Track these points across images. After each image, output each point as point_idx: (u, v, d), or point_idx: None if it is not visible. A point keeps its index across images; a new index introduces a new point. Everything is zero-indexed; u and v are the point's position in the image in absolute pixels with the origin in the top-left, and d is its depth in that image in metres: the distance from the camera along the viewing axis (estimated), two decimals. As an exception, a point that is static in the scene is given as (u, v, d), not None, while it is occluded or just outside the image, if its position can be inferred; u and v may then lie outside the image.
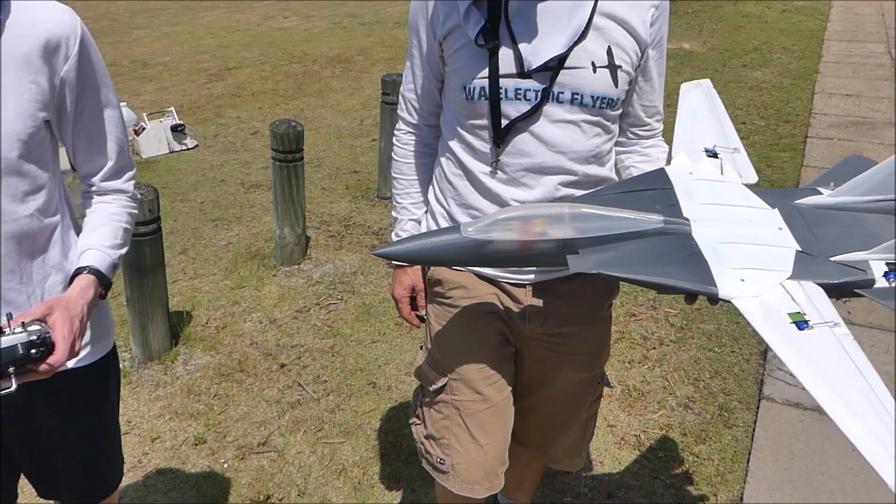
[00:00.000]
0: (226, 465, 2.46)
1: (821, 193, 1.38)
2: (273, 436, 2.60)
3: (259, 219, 4.34)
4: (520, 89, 1.36)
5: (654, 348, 3.09)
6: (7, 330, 1.04)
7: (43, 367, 1.07)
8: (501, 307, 1.55)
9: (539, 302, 1.52)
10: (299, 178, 3.64)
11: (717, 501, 2.32)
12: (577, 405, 1.71)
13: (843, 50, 8.32)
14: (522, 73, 1.35)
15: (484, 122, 1.42)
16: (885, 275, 1.25)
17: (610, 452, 2.53)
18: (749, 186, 1.41)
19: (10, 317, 1.07)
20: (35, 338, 1.05)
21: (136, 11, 11.35)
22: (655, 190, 1.34)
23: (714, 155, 1.45)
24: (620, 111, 1.48)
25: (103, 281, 1.27)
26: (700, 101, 1.61)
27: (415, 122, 1.61)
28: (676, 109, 1.59)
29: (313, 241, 4.03)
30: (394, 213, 1.69)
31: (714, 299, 1.20)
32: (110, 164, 1.34)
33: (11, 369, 1.02)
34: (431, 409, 1.64)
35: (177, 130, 5.50)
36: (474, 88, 1.38)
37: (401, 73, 4.42)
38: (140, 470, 2.43)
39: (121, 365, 2.99)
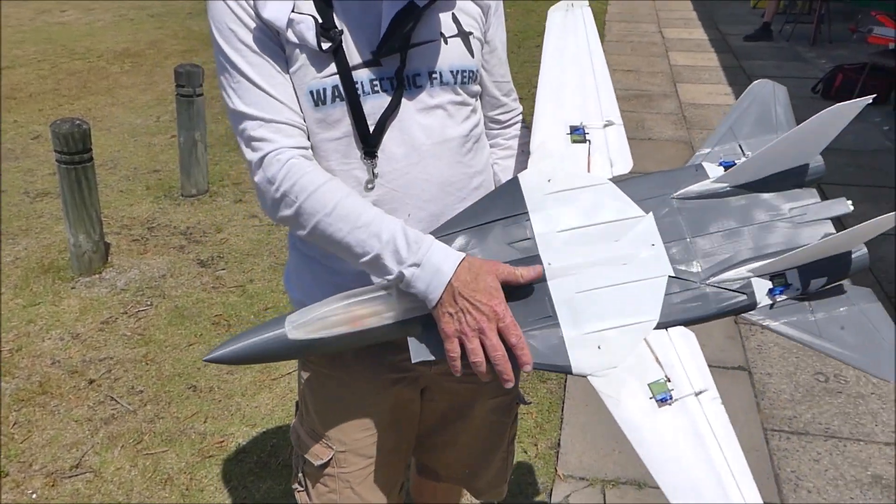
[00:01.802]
0: (34, 496, 2.28)
1: (705, 174, 1.20)
2: (87, 456, 2.44)
3: (50, 229, 4.01)
4: (374, 80, 1.14)
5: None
6: None
7: None
8: (396, 356, 1.30)
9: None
10: (90, 181, 3.41)
11: (538, 450, 2.50)
12: (499, 430, 1.54)
13: (623, 30, 9.05)
14: (376, 58, 1.13)
15: (343, 132, 1.15)
16: (771, 292, 1.13)
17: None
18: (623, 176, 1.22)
19: None
20: None
21: None
22: (508, 219, 1.14)
23: (582, 137, 1.22)
24: (478, 82, 1.29)
25: None
26: (569, 41, 1.33)
27: (296, 143, 1.14)
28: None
29: (114, 247, 3.79)
30: (379, 243, 1.09)
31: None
32: None
33: None
34: (317, 482, 1.42)
35: (-59, 140, 4.91)
36: (324, 90, 1.12)
37: (196, 64, 4.27)
38: (-69, 516, 2.20)
39: None
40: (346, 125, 1.15)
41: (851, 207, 1.19)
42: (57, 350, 2.98)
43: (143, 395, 2.73)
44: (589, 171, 1.19)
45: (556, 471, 2.39)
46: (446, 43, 1.18)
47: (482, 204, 1.16)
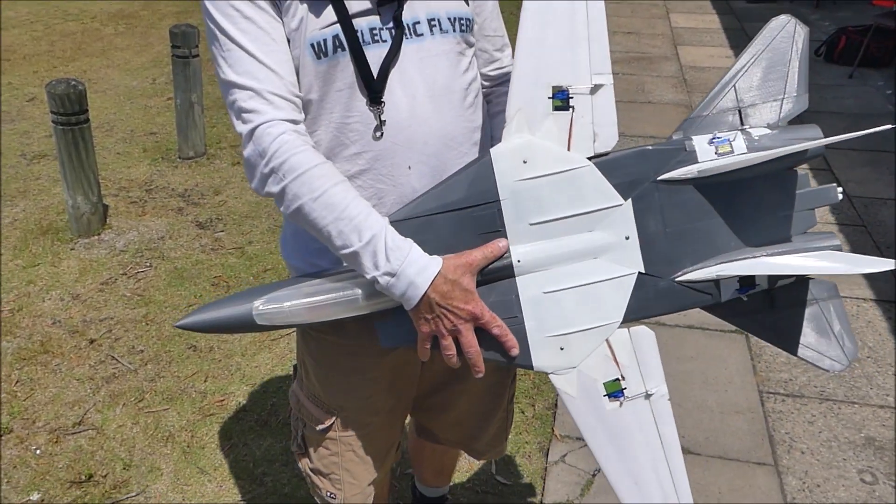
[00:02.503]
0: (38, 452, 2.31)
1: (694, 156, 1.11)
2: (89, 413, 2.47)
3: (48, 191, 3.99)
4: (374, 28, 1.10)
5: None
6: None
7: None
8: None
9: None
10: (87, 142, 3.39)
11: (535, 411, 2.53)
12: (497, 392, 1.52)
13: (621, -10, 8.94)
14: (375, 6, 1.10)
15: (346, 82, 1.11)
16: (738, 291, 1.14)
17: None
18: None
19: None
20: None
21: None
22: (479, 207, 1.08)
23: (565, 103, 1.09)
24: (475, 41, 1.26)
25: None
26: None
27: (287, 116, 1.10)
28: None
29: (112, 208, 3.78)
30: (359, 242, 1.06)
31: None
32: None
33: None
34: (319, 445, 1.42)
35: (-65, 101, 4.87)
36: (325, 41, 1.08)
37: (191, 24, 4.21)
38: (-63, 471, 2.23)
39: None
40: (349, 75, 1.11)
41: (840, 196, 1.17)
42: (57, 310, 2.99)
43: (143, 355, 2.75)
44: (570, 148, 1.09)
45: (553, 431, 2.42)
46: None
47: (455, 183, 1.10)
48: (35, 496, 2.16)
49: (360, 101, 1.13)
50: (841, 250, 1.14)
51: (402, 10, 1.12)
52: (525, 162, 1.08)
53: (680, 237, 1.11)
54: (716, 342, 2.82)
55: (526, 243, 1.09)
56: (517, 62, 1.09)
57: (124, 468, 2.26)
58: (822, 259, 1.12)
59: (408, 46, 1.13)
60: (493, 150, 1.09)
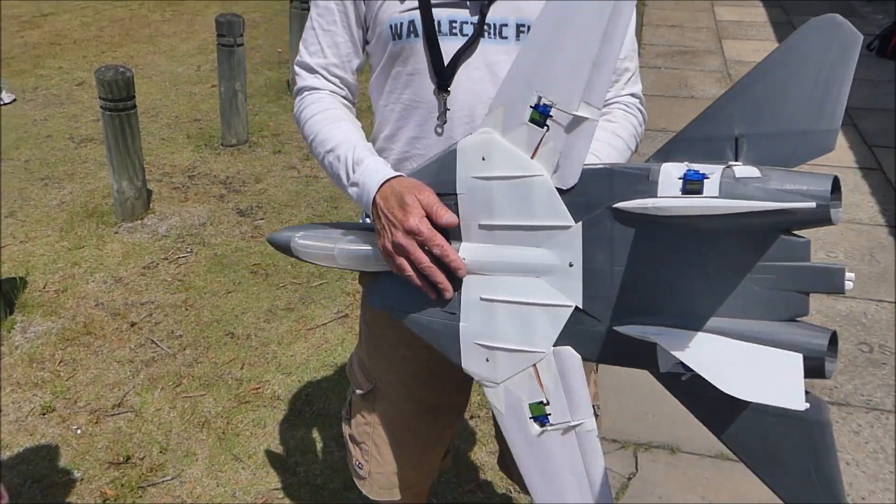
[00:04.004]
0: (79, 431, 2.36)
1: (654, 188, 0.89)
2: (128, 396, 2.51)
3: (94, 174, 4.07)
4: (455, 21, 1.10)
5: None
6: None
7: None
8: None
9: None
10: (133, 128, 3.43)
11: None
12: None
13: (669, -17, 8.78)
14: (466, 0, 1.09)
15: (414, 67, 1.14)
16: (680, 364, 0.89)
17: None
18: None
19: None
20: None
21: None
22: (442, 197, 1.05)
23: (542, 120, 0.96)
24: None
25: None
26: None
27: (323, 86, 1.24)
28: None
29: (156, 194, 3.84)
30: (338, 163, 1.15)
31: None
32: None
33: None
34: (359, 412, 1.45)
35: (-12, 84, 4.99)
36: (402, 24, 1.11)
37: (236, 13, 4.25)
38: (-18, 447, 2.28)
39: (-53, 339, 2.76)
40: (419, 60, 1.14)
41: (850, 285, 0.85)
42: (100, 293, 3.05)
43: (182, 340, 2.78)
44: (533, 158, 0.99)
45: (589, 430, 2.39)
46: None
47: (427, 168, 1.07)
48: (75, 474, 2.20)
49: (429, 87, 1.15)
50: (823, 360, 0.86)
51: (490, 8, 1.09)
52: (483, 159, 1.01)
53: (629, 279, 0.95)
54: (758, 347, 2.75)
55: (474, 243, 1.04)
56: (518, 57, 0.99)
57: (161, 451, 2.29)
58: (756, 369, 0.86)
59: (487, 45, 1.12)
60: (459, 142, 1.04)
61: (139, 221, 3.58)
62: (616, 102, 1.21)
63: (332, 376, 2.61)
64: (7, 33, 6.71)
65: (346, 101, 1.25)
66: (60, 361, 2.66)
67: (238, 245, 3.41)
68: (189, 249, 3.37)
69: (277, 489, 2.16)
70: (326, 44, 1.21)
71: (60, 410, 2.44)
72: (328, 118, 1.19)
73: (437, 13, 1.10)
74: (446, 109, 1.14)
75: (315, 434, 2.36)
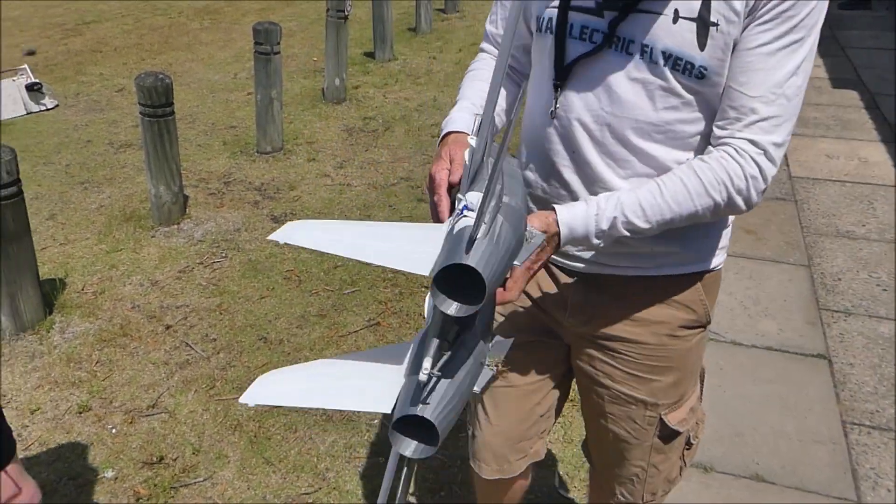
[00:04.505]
0: (114, 431, 2.39)
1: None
2: (163, 397, 2.54)
3: (132, 179, 4.14)
4: (587, 27, 1.14)
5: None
6: None
7: None
8: (539, 292, 1.37)
9: (584, 297, 1.32)
10: (171, 134, 3.49)
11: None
12: (630, 435, 1.41)
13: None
14: (598, 8, 1.12)
15: (544, 64, 1.22)
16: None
17: (500, 386, 2.63)
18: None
19: None
20: None
21: (-25, -39, 10.34)
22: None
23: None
24: (717, 87, 1.10)
25: None
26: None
27: (484, 48, 1.41)
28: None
29: (192, 199, 3.89)
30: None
31: None
32: None
33: None
34: None
35: (33, 90, 5.11)
36: (544, 19, 1.19)
37: (273, 21, 4.31)
38: (21, 443, 2.32)
39: (-11, 337, 2.82)
40: (548, 56, 1.20)
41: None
42: (137, 295, 3.09)
43: (216, 343, 2.81)
44: None
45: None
46: (675, 22, 1.06)
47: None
48: (109, 473, 2.23)
49: (549, 83, 1.22)
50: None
51: (621, 22, 1.10)
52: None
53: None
54: (796, 366, 2.70)
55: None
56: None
57: (193, 453, 2.31)
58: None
59: (611, 56, 1.13)
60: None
61: (175, 226, 3.63)
62: (727, 143, 1.11)
63: (362, 383, 2.62)
64: (51, 41, 6.87)
65: (509, 71, 1.35)
66: (97, 362, 2.70)
67: (272, 251, 3.45)
68: (224, 254, 3.41)
69: (307, 493, 2.17)
70: (500, 16, 1.35)
71: (96, 409, 2.47)
72: (472, 77, 1.35)
73: (573, 16, 1.15)
74: (557, 107, 1.21)
75: (345, 440, 2.37)
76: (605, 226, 1.11)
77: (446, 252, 0.76)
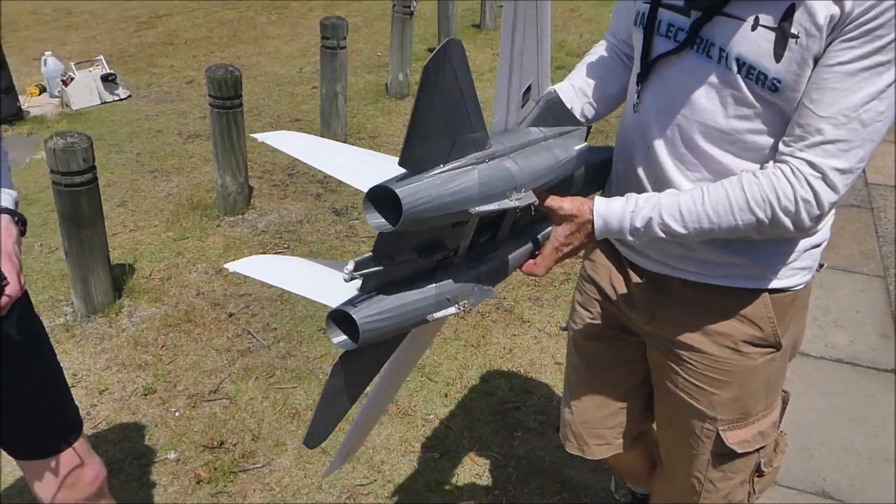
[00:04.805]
0: (177, 414, 2.45)
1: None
2: (224, 383, 2.59)
3: (199, 169, 4.24)
4: (673, 25, 1.14)
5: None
6: None
7: (4, 299, 1.11)
8: (609, 284, 1.41)
9: (650, 295, 1.34)
10: (239, 126, 3.56)
11: (659, 429, 2.43)
12: (689, 443, 1.39)
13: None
14: (686, 8, 1.12)
15: (637, 55, 1.24)
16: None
17: (559, 389, 2.60)
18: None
19: None
20: None
21: (57, -45, 10.75)
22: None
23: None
24: (792, 103, 1.06)
25: (18, 218, 1.27)
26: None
27: (613, 42, 1.40)
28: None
29: (257, 190, 3.97)
30: None
31: None
32: None
33: None
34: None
35: (108, 80, 5.28)
36: (640, 13, 1.21)
37: (340, 16, 4.35)
38: (89, 422, 2.40)
39: (63, 319, 2.93)
40: (638, 49, 1.23)
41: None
42: (202, 282, 3.17)
43: (276, 332, 2.86)
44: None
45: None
46: (754, 29, 1.04)
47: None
48: (172, 454, 2.29)
49: (636, 75, 1.24)
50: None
51: (705, 25, 1.09)
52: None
53: None
54: (867, 380, 2.60)
55: None
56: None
57: (252, 439, 2.35)
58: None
59: (691, 57, 1.13)
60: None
61: (240, 216, 3.70)
62: (785, 161, 1.07)
63: (419, 377, 2.63)
64: (125, 33, 7.09)
65: (623, 58, 1.38)
66: (162, 346, 2.78)
67: (332, 243, 3.48)
68: (286, 245, 3.47)
69: (362, 485, 2.19)
70: (618, 12, 1.37)
71: (161, 393, 2.54)
72: (582, 62, 1.39)
73: (662, 13, 1.16)
74: (638, 101, 1.23)
75: (401, 433, 2.38)
76: (639, 224, 1.11)
77: (395, 178, 0.90)
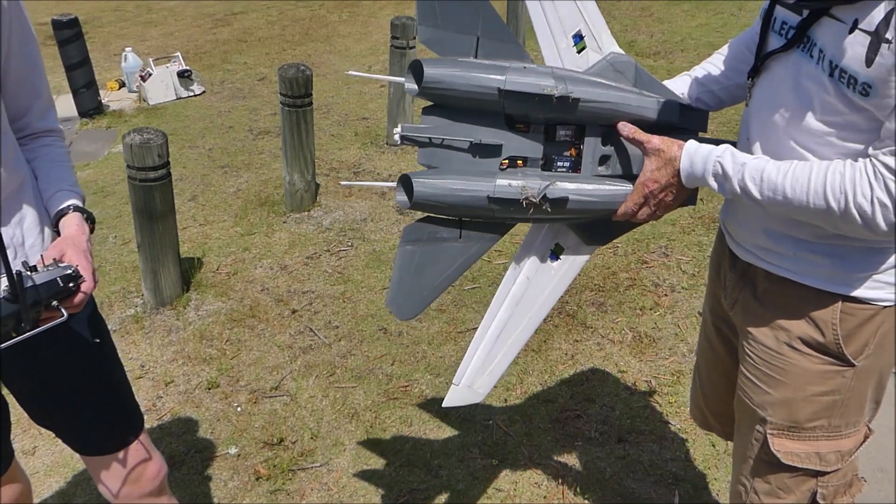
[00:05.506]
0: (239, 409, 2.49)
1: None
2: (285, 380, 2.62)
3: (268, 165, 4.31)
4: (785, 23, 1.15)
5: (665, 295, 3.08)
6: (40, 268, 1.10)
7: (79, 296, 1.13)
8: (717, 265, 1.45)
9: (735, 282, 1.36)
10: (308, 124, 3.60)
11: (727, 446, 2.33)
12: (741, 444, 1.40)
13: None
14: (797, 5, 1.12)
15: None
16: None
17: (621, 398, 2.53)
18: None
19: (24, 263, 1.10)
20: (70, 271, 1.12)
21: (140, -45, 11.13)
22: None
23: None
24: (884, 109, 1.01)
25: (87, 216, 1.31)
26: None
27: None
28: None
29: (323, 187, 4.00)
30: None
31: None
32: (41, 102, 1.33)
33: (55, 302, 1.09)
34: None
35: (183, 76, 5.43)
36: (764, 8, 1.24)
37: (410, 16, 4.35)
38: (154, 413, 2.46)
39: (133, 310, 3.01)
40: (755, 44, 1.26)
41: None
42: (267, 278, 3.21)
43: (338, 331, 2.87)
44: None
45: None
46: (851, 32, 1.01)
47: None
48: (233, 450, 2.32)
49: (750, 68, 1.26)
50: None
51: (812, 24, 1.10)
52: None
53: None
54: (955, 404, 2.44)
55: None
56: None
57: (312, 438, 2.36)
58: None
59: (797, 56, 1.13)
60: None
61: (306, 213, 3.74)
62: (872, 161, 1.04)
63: (479, 383, 2.59)
64: (201, 30, 7.28)
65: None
66: (227, 340, 2.82)
67: (396, 242, 3.48)
68: (350, 243, 3.49)
69: (418, 490, 2.17)
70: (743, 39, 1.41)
71: (224, 387, 2.58)
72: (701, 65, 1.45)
73: (778, 11, 1.19)
74: (750, 95, 1.25)
75: (459, 439, 2.35)
76: (720, 170, 1.16)
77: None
